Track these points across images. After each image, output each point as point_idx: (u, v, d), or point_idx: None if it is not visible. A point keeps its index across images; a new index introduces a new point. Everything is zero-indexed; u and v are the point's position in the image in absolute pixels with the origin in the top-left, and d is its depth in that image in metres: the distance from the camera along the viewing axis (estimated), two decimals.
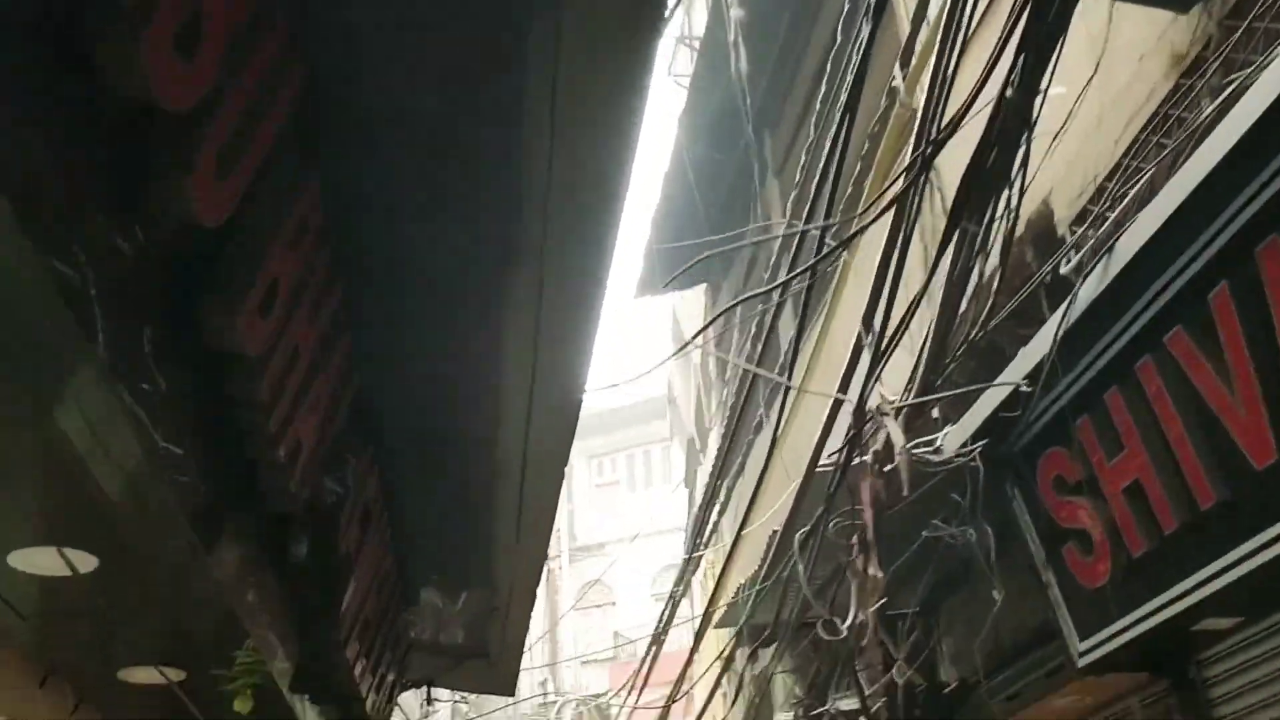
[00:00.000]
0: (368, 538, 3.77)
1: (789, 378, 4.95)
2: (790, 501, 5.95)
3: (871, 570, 3.90)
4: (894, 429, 3.58)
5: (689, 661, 11.80)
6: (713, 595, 10.58)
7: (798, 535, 4.76)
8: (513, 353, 3.41)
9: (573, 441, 4.24)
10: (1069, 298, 4.10)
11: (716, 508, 11.20)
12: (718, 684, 11.00)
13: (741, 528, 6.21)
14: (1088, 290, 3.95)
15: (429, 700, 6.13)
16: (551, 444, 4.05)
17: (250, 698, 2.90)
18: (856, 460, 4.09)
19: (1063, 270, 4.24)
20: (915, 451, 5.07)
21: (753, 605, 6.70)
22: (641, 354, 24.36)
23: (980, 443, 5.02)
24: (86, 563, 2.77)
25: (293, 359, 2.67)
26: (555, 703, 21.63)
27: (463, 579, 4.95)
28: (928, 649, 7.79)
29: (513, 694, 6.44)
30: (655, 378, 28.76)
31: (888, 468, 4.49)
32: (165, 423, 2.41)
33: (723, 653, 11.79)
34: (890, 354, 3.98)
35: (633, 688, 15.01)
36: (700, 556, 14.24)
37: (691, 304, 19.40)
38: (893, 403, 3.71)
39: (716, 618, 8.64)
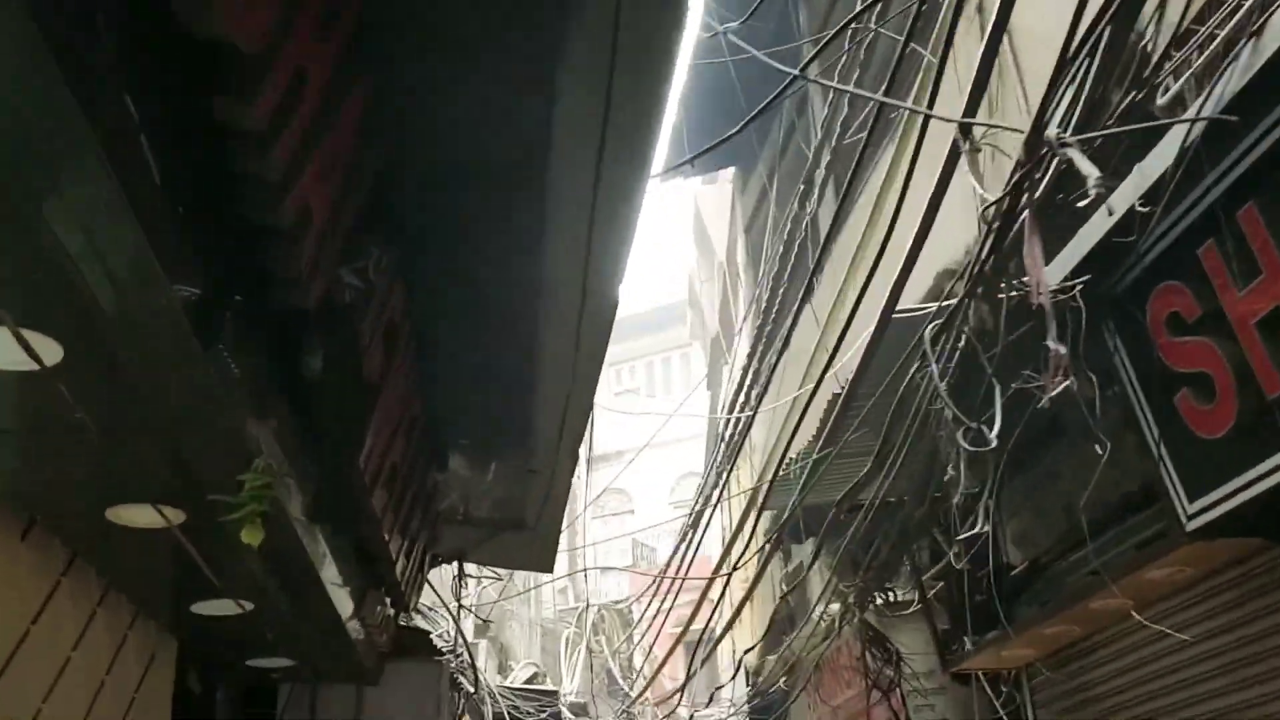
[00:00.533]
0: (393, 366, 3.21)
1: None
2: (861, 355, 5.38)
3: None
4: (1082, 161, 2.94)
5: (727, 549, 11.38)
6: (760, 480, 10.07)
7: (928, 330, 4.13)
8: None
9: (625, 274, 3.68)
10: (1203, 94, 3.48)
11: (752, 398, 10.67)
12: (754, 584, 10.59)
13: (817, 388, 5.61)
14: (1227, 85, 3.35)
15: (461, 576, 5.65)
16: (604, 284, 3.46)
17: (260, 527, 2.36)
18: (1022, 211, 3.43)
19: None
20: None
21: (808, 476, 6.17)
22: (662, 256, 23.68)
23: (1081, 279, 4.43)
24: (50, 352, 2.21)
25: (298, 79, 2.07)
26: (577, 607, 21.39)
27: (498, 440, 4.42)
28: (990, 531, 7.28)
29: (551, 569, 5.96)
30: (675, 281, 28.16)
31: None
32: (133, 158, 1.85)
33: (761, 548, 11.35)
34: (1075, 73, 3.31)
35: (656, 593, 14.59)
36: (733, 454, 13.74)
37: (715, 200, 18.70)
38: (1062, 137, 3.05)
39: (763, 497, 8.10)
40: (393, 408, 3.34)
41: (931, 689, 8.49)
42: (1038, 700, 6.61)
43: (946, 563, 7.27)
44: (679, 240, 26.42)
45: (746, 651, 12.94)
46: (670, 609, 19.38)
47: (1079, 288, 4.30)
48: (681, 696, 14.23)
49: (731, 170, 14.87)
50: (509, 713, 8.27)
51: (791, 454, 6.91)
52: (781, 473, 7.09)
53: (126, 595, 3.83)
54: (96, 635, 3.82)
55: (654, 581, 16.87)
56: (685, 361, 28.21)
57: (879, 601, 8.43)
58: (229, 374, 2.49)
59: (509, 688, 8.49)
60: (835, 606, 9.10)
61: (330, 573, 3.40)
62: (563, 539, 23.05)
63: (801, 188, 8.64)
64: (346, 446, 2.98)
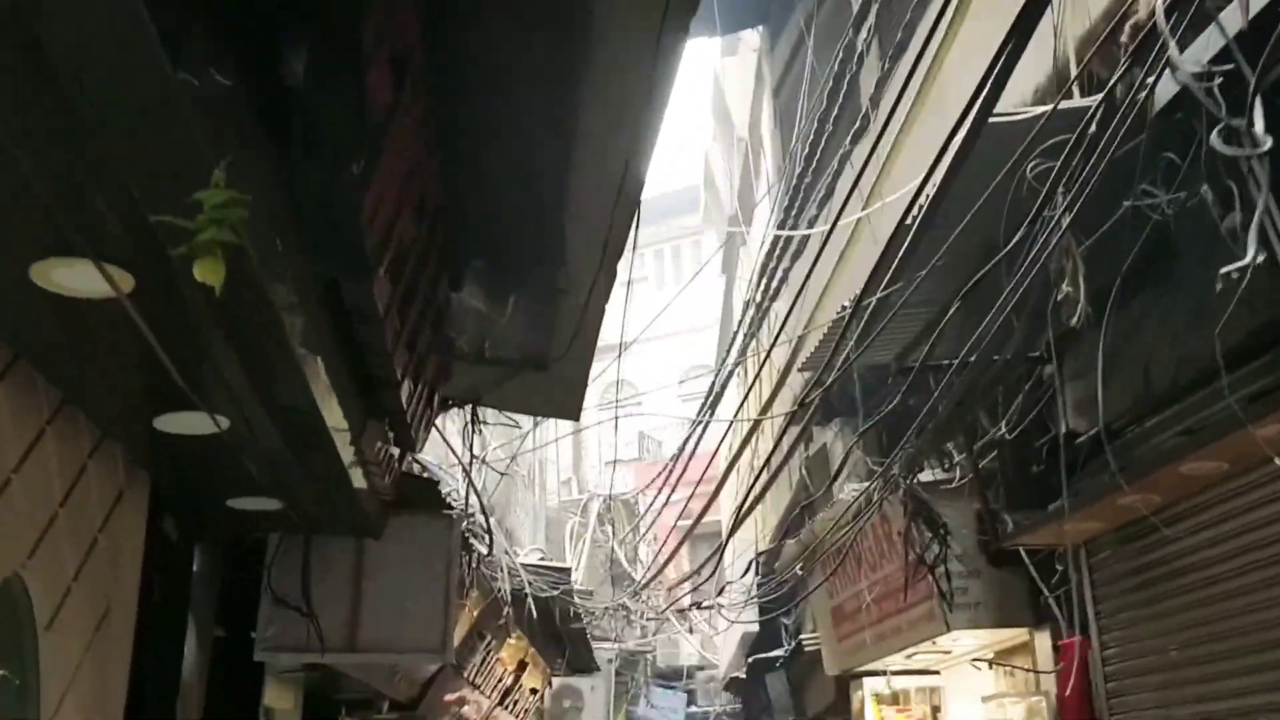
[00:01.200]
0: (401, 104, 2.53)
1: None
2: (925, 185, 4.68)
3: None
4: None
5: (753, 427, 10.83)
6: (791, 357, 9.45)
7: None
8: None
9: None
10: None
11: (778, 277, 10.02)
12: (776, 467, 10.05)
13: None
14: None
15: (474, 423, 5.04)
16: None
17: (220, 262, 1.72)
18: None
19: None
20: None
21: (864, 325, 5.53)
22: (673, 140, 22.76)
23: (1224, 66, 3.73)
24: None
25: None
26: (581, 499, 21.02)
27: (523, 249, 3.77)
28: (1048, 397, 6.68)
29: (577, 416, 5.33)
30: (685, 168, 27.22)
31: None
32: None
33: (785, 426, 10.78)
34: None
35: (663, 485, 14.10)
36: (746, 347, 13.14)
37: (737, 72, 17.76)
38: None
39: (811, 346, 7.45)
40: (401, 163, 2.67)
41: (965, 571, 8.00)
42: (1098, 579, 6.08)
43: (997, 433, 6.70)
44: (692, 123, 25.42)
45: (760, 553, 12.50)
46: (676, 499, 18.89)
47: (1218, 79, 3.61)
48: (690, 584, 13.83)
49: (755, 36, 13.98)
50: (523, 587, 7.80)
51: (843, 303, 6.26)
52: (827, 327, 6.45)
53: (84, 411, 3.22)
54: (45, 459, 3.21)
55: (663, 470, 16.39)
56: (696, 249, 27.44)
57: (920, 476, 7.90)
58: (195, 85, 1.83)
59: (521, 563, 8.02)
60: (862, 485, 8.57)
61: (319, 377, 2.78)
62: (566, 427, 22.45)
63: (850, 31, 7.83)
64: (343, 194, 2.32)
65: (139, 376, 2.79)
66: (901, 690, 10.17)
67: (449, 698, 9.05)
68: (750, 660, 13.60)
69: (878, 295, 4.85)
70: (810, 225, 8.01)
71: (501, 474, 7.31)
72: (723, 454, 15.75)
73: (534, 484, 18.32)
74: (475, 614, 7.80)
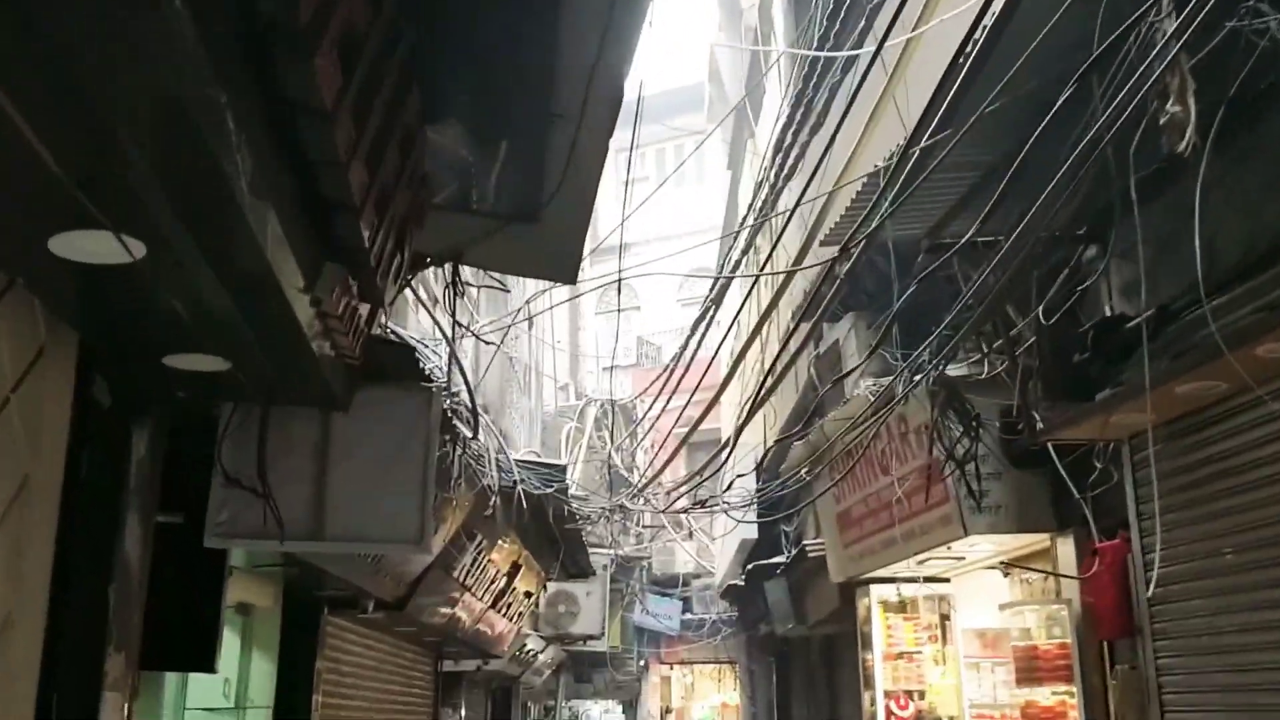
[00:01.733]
0: None
1: None
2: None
3: None
4: None
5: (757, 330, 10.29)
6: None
7: None
8: None
9: None
10: None
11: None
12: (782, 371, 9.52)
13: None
14: None
15: (455, 284, 4.44)
16: None
17: None
18: None
19: None
20: None
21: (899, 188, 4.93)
22: (676, 36, 21.86)
23: None
24: None
25: None
26: (577, 405, 20.58)
27: (509, 66, 3.14)
28: (1087, 282, 6.11)
29: (573, 279, 4.73)
30: (687, 65, 26.21)
31: None
32: None
33: (796, 322, 10.23)
34: None
35: (662, 389, 13.59)
36: (746, 243, 12.53)
37: None
38: None
39: (840, 210, 6.86)
40: None
41: (986, 473, 7.53)
42: (1141, 477, 5.57)
43: (1033, 320, 6.14)
44: (696, 16, 24.45)
45: (768, 449, 12.02)
46: (675, 406, 18.37)
47: None
48: (689, 488, 13.40)
49: None
50: (514, 484, 7.32)
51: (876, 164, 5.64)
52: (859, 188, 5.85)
53: None
54: None
55: (662, 372, 15.86)
56: (700, 150, 26.59)
57: (947, 368, 7.37)
58: None
59: (515, 460, 7.52)
60: (880, 380, 8.05)
61: (253, 194, 2.19)
62: (563, 331, 21.94)
63: None
64: None
65: (26, 181, 2.20)
66: (910, 598, 9.78)
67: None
68: (749, 567, 13.25)
69: (923, 143, 4.23)
70: (833, 92, 7.33)
71: (495, 344, 6.70)
72: (724, 359, 15.18)
73: (529, 388, 17.82)
74: (464, 511, 7.32)
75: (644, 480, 13.63)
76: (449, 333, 4.68)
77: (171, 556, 4.17)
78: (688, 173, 26.58)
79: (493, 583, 9.43)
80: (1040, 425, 5.74)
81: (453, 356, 4.74)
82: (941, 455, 7.56)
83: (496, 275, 5.63)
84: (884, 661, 9.49)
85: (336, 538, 3.92)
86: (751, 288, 13.60)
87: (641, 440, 17.53)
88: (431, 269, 4.36)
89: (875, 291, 9.40)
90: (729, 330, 13.99)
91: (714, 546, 21.41)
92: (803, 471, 10.50)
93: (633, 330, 24.93)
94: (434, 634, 9.50)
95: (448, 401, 4.72)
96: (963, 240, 5.27)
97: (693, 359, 13.27)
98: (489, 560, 8.83)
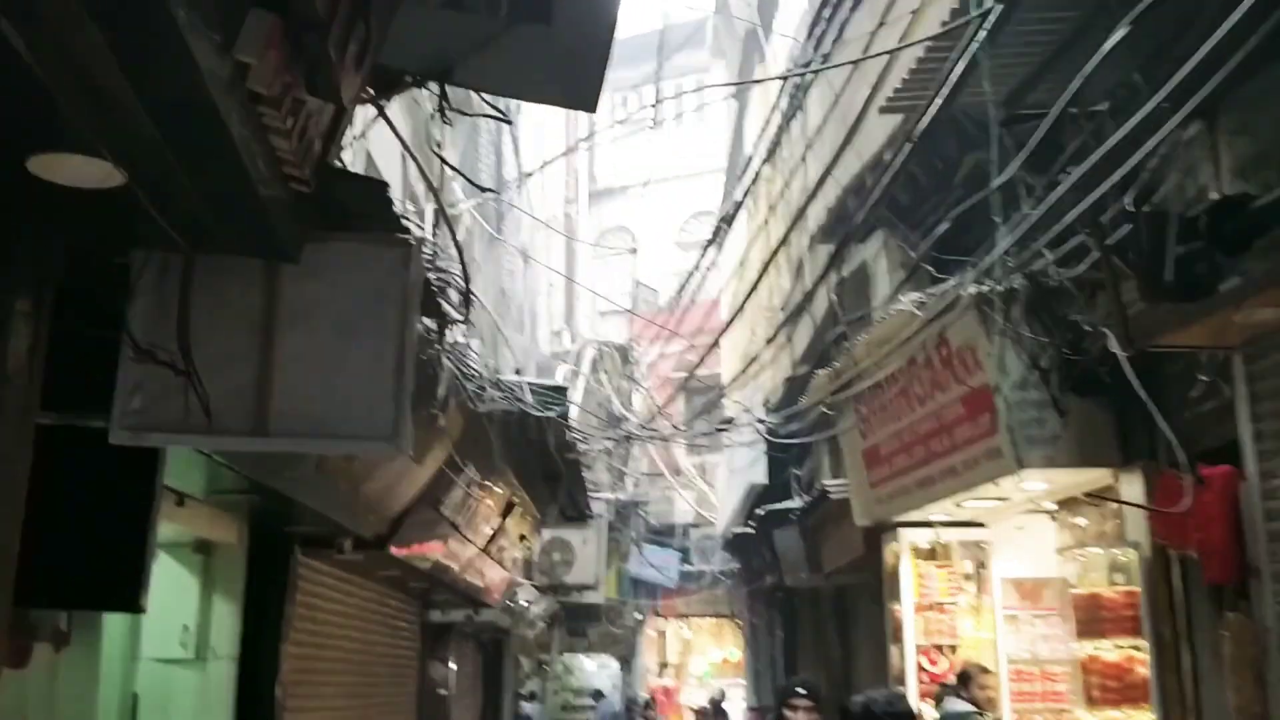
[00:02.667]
0: None
1: None
2: None
3: None
4: None
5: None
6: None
7: None
8: None
9: None
10: None
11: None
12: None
13: None
14: None
15: (443, 110, 3.46)
16: None
17: None
18: None
19: None
20: None
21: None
22: None
23: None
24: None
25: None
26: (574, 349, 19.67)
27: None
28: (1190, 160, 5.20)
29: (593, 105, 3.72)
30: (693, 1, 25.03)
31: None
32: None
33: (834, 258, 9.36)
34: None
35: (659, 334, 12.64)
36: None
37: None
38: None
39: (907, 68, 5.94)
40: None
41: (1039, 399, 6.67)
42: (1262, 390, 4.69)
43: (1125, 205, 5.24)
44: None
45: (790, 378, 11.17)
46: (674, 351, 17.44)
47: None
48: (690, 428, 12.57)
49: None
50: (512, 402, 6.45)
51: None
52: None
53: None
54: None
55: (664, 314, 15.02)
56: (701, 88, 25.47)
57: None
58: None
59: (510, 379, 6.65)
60: (920, 294, 7.15)
61: None
62: (558, 277, 20.95)
63: None
64: None
65: None
66: (942, 544, 8.96)
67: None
68: (759, 512, 12.41)
69: None
70: None
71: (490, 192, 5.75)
72: (726, 305, 14.15)
73: (525, 326, 16.92)
74: (452, 436, 6.44)
75: (649, 413, 12.80)
76: (435, 181, 3.74)
77: (82, 468, 3.26)
78: (688, 113, 25.57)
79: (485, 523, 8.56)
80: (1137, 333, 4.84)
81: (442, 213, 3.81)
82: (993, 379, 6.70)
83: (496, 103, 4.67)
84: (914, 613, 8.67)
85: (286, 432, 3.00)
86: (764, 223, 12.70)
87: (639, 385, 16.63)
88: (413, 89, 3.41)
89: (910, 205, 8.50)
90: (736, 269, 13.07)
91: (714, 495, 20.65)
92: (823, 406, 9.64)
93: (629, 274, 24.00)
94: (420, 579, 8.65)
95: (429, 260, 3.82)
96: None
97: (693, 299, 12.35)
98: (481, 498, 7.96)
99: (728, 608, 21.15)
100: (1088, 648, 6.83)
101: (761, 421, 11.09)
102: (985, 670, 7.18)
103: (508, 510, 9.26)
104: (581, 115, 25.50)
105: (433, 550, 7.73)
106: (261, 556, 6.41)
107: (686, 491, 21.46)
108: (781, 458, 13.55)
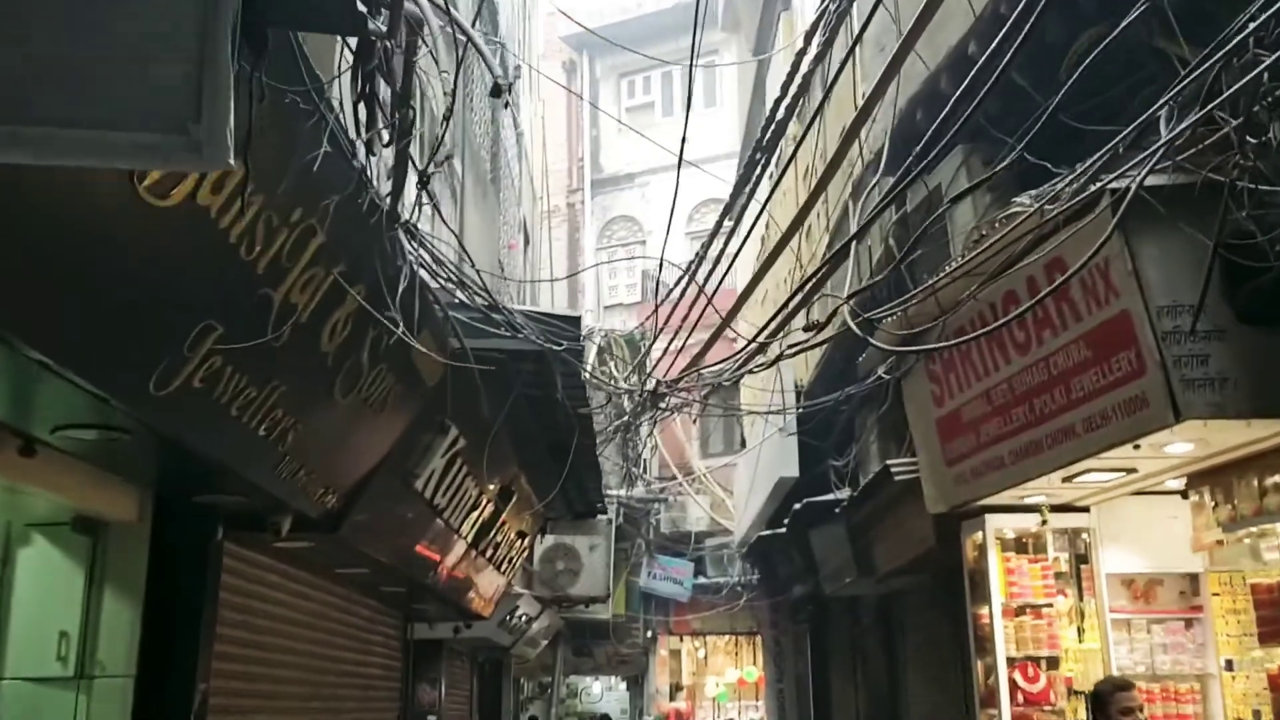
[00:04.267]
0: None
1: None
2: None
3: None
4: None
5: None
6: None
7: None
8: None
9: None
10: None
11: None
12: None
13: None
14: None
15: None
16: None
17: None
18: None
19: None
20: None
21: None
22: None
23: None
24: None
25: None
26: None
27: None
28: None
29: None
30: None
31: None
32: None
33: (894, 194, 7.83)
34: None
35: (666, 325, 11.18)
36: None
37: None
38: None
39: None
40: None
41: (1199, 331, 5.09)
42: None
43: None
44: None
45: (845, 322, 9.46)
46: (686, 343, 15.69)
47: None
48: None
49: None
50: (510, 331, 4.84)
51: None
52: None
53: None
54: None
55: (672, 297, 13.40)
56: (712, 71, 23.96)
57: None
58: None
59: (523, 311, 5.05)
60: (1026, 205, 5.55)
61: None
62: (561, 267, 19.49)
63: None
64: None
65: None
66: (1033, 533, 7.32)
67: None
68: (797, 507, 10.74)
69: None
70: None
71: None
72: (740, 288, 12.41)
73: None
74: (428, 375, 4.83)
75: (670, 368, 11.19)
76: None
77: None
78: (698, 97, 23.92)
79: (475, 509, 6.91)
80: None
81: None
82: (1139, 304, 5.09)
83: None
84: (1004, 619, 7.01)
85: (52, 120, 1.47)
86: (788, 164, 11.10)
87: (650, 372, 14.91)
88: None
89: (999, 112, 6.92)
90: (751, 227, 11.45)
91: (731, 501, 18.99)
92: (881, 371, 8.01)
93: (637, 265, 22.40)
94: (394, 581, 7.00)
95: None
96: None
97: (705, 285, 10.73)
98: (468, 475, 6.32)
99: (746, 623, 19.42)
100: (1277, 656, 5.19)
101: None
102: (1122, 686, 5.53)
103: (504, 498, 7.62)
104: (584, 99, 24.03)
105: (405, 536, 6.09)
106: (170, 539, 4.80)
107: (701, 497, 19.82)
108: (816, 447, 11.92)
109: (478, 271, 4.84)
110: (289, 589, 6.01)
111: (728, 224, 10.31)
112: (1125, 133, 4.74)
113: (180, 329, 3.01)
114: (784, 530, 12.14)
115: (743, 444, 18.31)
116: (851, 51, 7.84)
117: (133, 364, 2.93)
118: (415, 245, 3.98)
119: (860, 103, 9.15)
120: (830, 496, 10.02)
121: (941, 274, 6.47)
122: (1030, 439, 6.15)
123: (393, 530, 5.85)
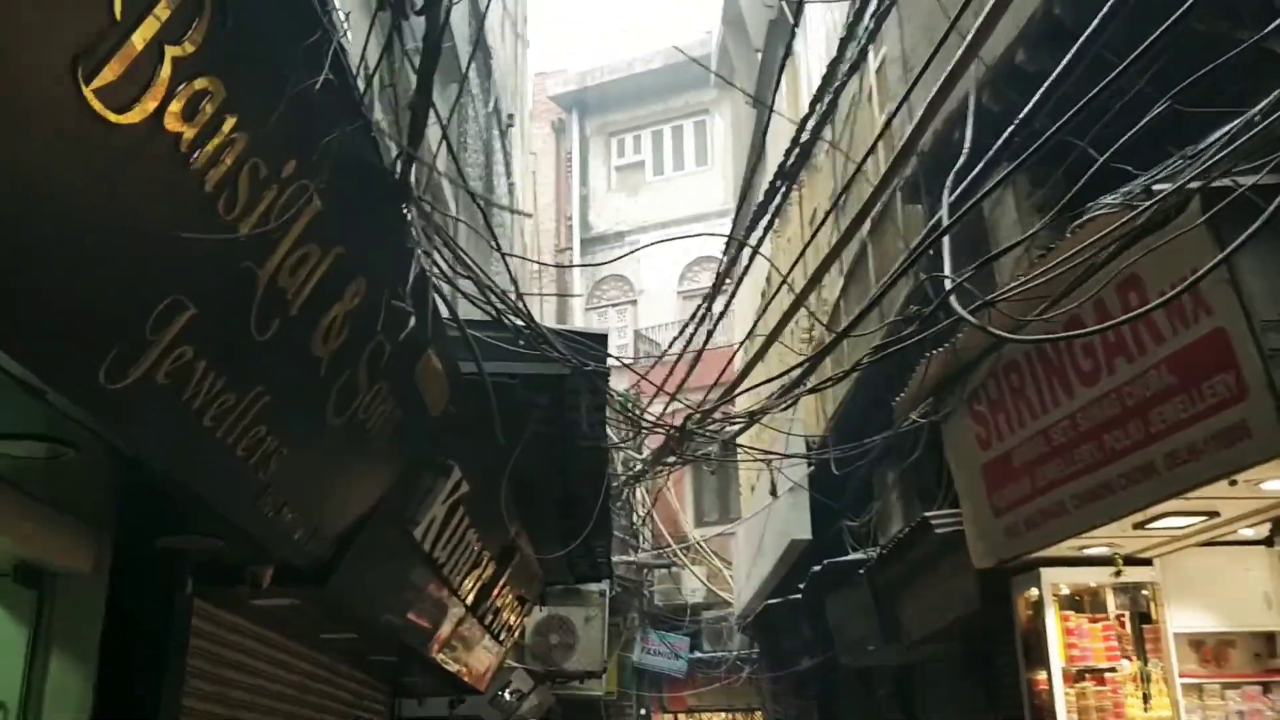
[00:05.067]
0: None
1: None
2: None
3: None
4: None
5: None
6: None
7: None
8: None
9: None
10: None
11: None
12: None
13: None
14: None
15: None
16: None
17: None
18: None
19: None
20: None
21: None
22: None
23: None
24: None
25: None
26: None
27: None
28: None
29: None
30: (691, 33, 23.37)
31: None
32: None
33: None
34: None
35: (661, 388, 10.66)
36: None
37: None
38: None
39: None
40: None
41: None
42: None
43: None
44: None
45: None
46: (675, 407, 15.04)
47: None
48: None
49: None
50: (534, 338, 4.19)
51: None
52: None
53: None
54: None
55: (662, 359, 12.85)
56: (703, 130, 23.68)
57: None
58: None
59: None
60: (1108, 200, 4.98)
61: None
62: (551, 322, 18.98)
63: None
64: None
65: None
66: (1091, 588, 6.66)
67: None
68: (815, 569, 10.02)
69: None
70: None
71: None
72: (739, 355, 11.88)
73: None
74: (434, 395, 4.19)
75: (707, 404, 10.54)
76: None
77: None
78: (688, 158, 23.68)
79: (476, 566, 6.21)
80: None
81: None
82: (1239, 321, 4.50)
83: None
84: (1065, 685, 6.31)
85: None
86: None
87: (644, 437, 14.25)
88: None
89: (1041, 127, 6.38)
90: (757, 301, 11.06)
91: (730, 572, 18.20)
92: (915, 414, 7.39)
93: (628, 325, 21.84)
94: (385, 648, 6.24)
95: None
96: None
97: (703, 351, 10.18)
98: (470, 525, 5.63)
99: (746, 699, 18.50)
100: None
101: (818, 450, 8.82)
102: None
103: (505, 556, 6.90)
104: (574, 158, 23.65)
105: (401, 599, 5.37)
106: (130, 593, 4.09)
107: (697, 568, 19.03)
108: (829, 508, 11.24)
109: (491, 283, 4.20)
110: (268, 656, 5.26)
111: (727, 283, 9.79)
112: (1230, 128, 4.21)
113: (141, 301, 2.36)
114: (793, 598, 11.39)
115: (739, 513, 17.61)
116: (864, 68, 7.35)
117: (76, 343, 2.27)
118: (427, 228, 3.36)
119: (881, 125, 8.68)
120: (853, 556, 9.31)
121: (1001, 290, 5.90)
122: (1099, 480, 5.52)
123: (388, 587, 5.14)
